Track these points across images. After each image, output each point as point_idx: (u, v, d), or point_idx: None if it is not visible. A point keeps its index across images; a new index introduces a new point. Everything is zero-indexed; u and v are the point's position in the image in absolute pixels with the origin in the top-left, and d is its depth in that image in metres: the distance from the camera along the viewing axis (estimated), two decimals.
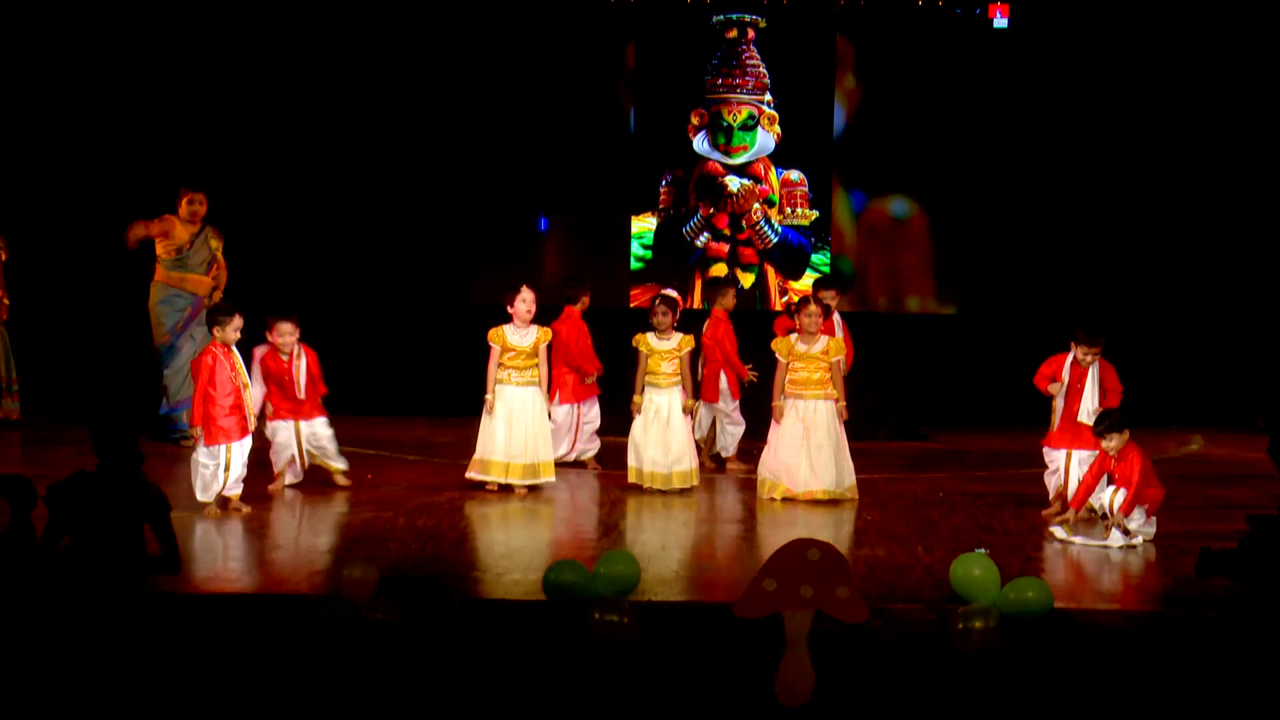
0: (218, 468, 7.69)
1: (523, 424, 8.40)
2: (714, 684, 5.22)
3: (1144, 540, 7.25)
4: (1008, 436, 10.54)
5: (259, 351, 8.35)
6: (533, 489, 8.44)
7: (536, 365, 8.45)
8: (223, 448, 7.70)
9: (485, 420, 8.44)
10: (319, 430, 8.42)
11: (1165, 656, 5.75)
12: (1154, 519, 7.29)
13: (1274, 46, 11.67)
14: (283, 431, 8.39)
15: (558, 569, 5.96)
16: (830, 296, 9.25)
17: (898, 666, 5.67)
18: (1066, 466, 7.94)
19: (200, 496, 7.70)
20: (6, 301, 10.64)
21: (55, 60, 11.68)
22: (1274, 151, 11.76)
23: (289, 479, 8.45)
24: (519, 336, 8.43)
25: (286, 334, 8.27)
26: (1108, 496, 7.34)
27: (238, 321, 7.81)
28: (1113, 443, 7.29)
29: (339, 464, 8.51)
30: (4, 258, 10.65)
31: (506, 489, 8.40)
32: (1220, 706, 5.23)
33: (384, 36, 11.89)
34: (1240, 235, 11.92)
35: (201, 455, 7.71)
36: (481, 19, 12.06)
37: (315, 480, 8.67)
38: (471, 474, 8.47)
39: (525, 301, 8.41)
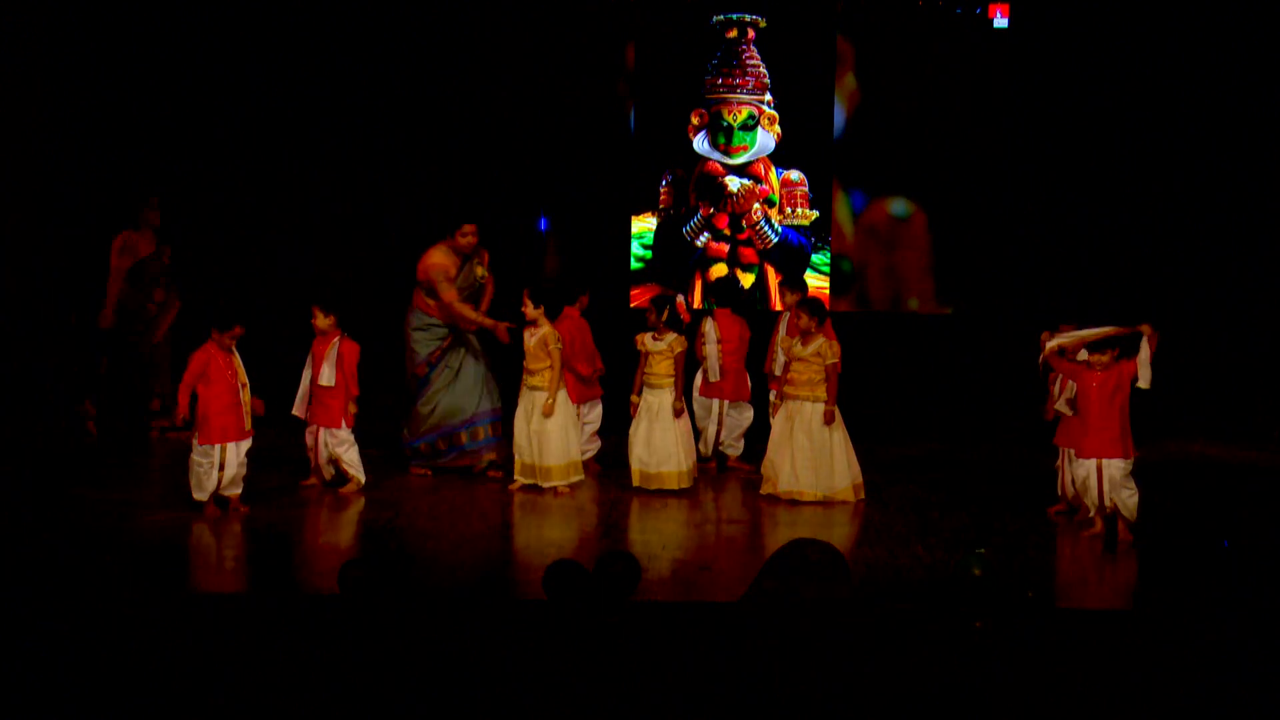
0: (211, 466, 7.69)
1: (528, 425, 8.41)
2: (714, 684, 5.21)
3: (1128, 497, 7.30)
4: (1007, 436, 10.53)
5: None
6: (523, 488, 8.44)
7: (549, 367, 8.39)
8: (217, 447, 7.70)
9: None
10: (331, 442, 8.42)
11: (1164, 655, 5.75)
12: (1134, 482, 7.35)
13: (1277, 45, 11.65)
14: (308, 434, 8.47)
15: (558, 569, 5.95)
16: (791, 299, 9.20)
17: (897, 667, 5.67)
18: (1061, 463, 7.98)
19: (195, 495, 7.71)
20: (179, 304, 10.44)
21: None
22: (1278, 150, 11.74)
23: (317, 479, 8.51)
24: (526, 335, 8.43)
25: (319, 318, 8.37)
26: (1093, 482, 7.38)
27: (238, 330, 7.79)
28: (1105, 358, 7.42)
29: (356, 473, 8.48)
30: (167, 262, 10.40)
31: (532, 488, 8.43)
32: (1218, 704, 5.23)
33: (384, 37, 11.88)
34: (1245, 235, 11.89)
35: (196, 453, 7.72)
36: (481, 18, 12.05)
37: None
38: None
39: (525, 304, 8.41)
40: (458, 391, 8.79)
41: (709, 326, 9.30)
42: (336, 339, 8.36)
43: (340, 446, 8.40)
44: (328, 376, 8.31)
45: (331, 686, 5.25)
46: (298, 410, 8.44)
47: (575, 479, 8.45)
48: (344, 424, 8.38)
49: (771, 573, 5.37)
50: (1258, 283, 11.86)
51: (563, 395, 8.41)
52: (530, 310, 8.35)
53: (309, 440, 8.48)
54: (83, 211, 11.81)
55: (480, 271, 8.91)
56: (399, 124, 11.94)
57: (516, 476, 8.48)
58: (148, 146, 11.81)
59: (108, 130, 11.77)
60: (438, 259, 8.69)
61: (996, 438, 10.68)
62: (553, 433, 8.37)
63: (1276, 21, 11.58)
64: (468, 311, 8.61)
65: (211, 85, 11.81)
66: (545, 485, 8.38)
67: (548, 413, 8.31)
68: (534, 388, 8.40)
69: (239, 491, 7.84)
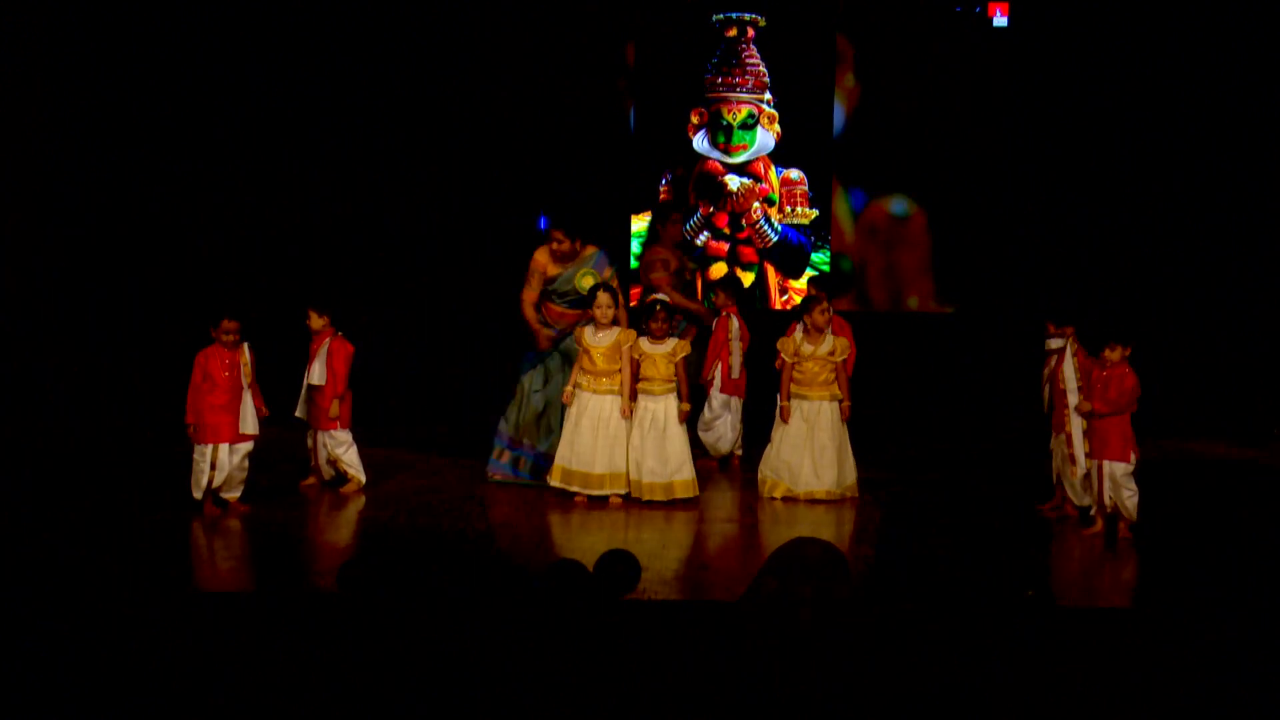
0: (206, 465, 7.70)
1: (605, 433, 8.23)
2: (714, 684, 5.21)
3: (1129, 498, 7.34)
4: (1007, 435, 10.53)
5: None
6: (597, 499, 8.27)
7: (619, 370, 8.25)
8: (210, 447, 7.70)
9: (568, 425, 8.34)
10: (329, 443, 8.43)
11: (1163, 654, 5.76)
12: (1134, 479, 7.39)
13: (1276, 45, 11.65)
14: (309, 435, 8.50)
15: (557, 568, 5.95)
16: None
17: (896, 666, 5.67)
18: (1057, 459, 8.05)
19: (194, 493, 7.73)
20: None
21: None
22: (1278, 150, 11.74)
23: (316, 479, 8.53)
24: (597, 337, 8.31)
25: (312, 319, 8.38)
26: (1094, 481, 7.42)
27: (228, 325, 7.76)
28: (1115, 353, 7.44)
29: (356, 473, 8.48)
30: (689, 277, 9.95)
31: (599, 500, 8.21)
32: (1218, 704, 5.23)
33: (384, 37, 11.88)
34: (1245, 234, 11.90)
35: (195, 452, 7.74)
36: (481, 18, 12.05)
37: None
38: (552, 482, 8.33)
39: (600, 306, 8.23)
40: (532, 407, 8.67)
41: (734, 324, 9.32)
42: (328, 338, 8.37)
43: (339, 448, 8.41)
44: (318, 375, 8.32)
45: (332, 686, 5.25)
46: (299, 413, 8.47)
47: (626, 489, 8.31)
48: (338, 424, 8.38)
49: (771, 571, 5.36)
50: (1257, 282, 11.86)
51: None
52: (609, 310, 8.21)
53: (309, 441, 8.51)
54: (83, 211, 11.85)
55: (589, 283, 8.49)
56: (399, 124, 11.94)
57: (556, 482, 8.29)
58: (148, 146, 11.84)
59: (107, 130, 11.79)
60: (534, 257, 8.66)
61: (996, 437, 10.69)
62: (621, 440, 8.23)
63: (1276, 21, 11.58)
64: (529, 314, 8.62)
65: (211, 85, 11.81)
66: (599, 493, 8.21)
67: (626, 415, 8.21)
68: (602, 392, 8.22)
69: (238, 494, 7.83)
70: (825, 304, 8.40)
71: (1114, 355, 7.41)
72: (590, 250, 8.66)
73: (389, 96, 11.92)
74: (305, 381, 8.40)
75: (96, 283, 11.90)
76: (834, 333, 8.62)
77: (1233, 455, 10.37)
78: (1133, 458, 7.37)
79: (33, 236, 11.87)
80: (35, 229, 11.85)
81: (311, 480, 8.49)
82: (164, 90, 11.81)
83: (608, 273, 8.59)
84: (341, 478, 8.48)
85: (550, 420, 8.62)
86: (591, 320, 8.31)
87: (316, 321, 8.39)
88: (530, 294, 8.63)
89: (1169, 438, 10.55)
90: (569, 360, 8.58)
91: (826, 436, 8.26)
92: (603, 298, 8.24)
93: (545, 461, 8.51)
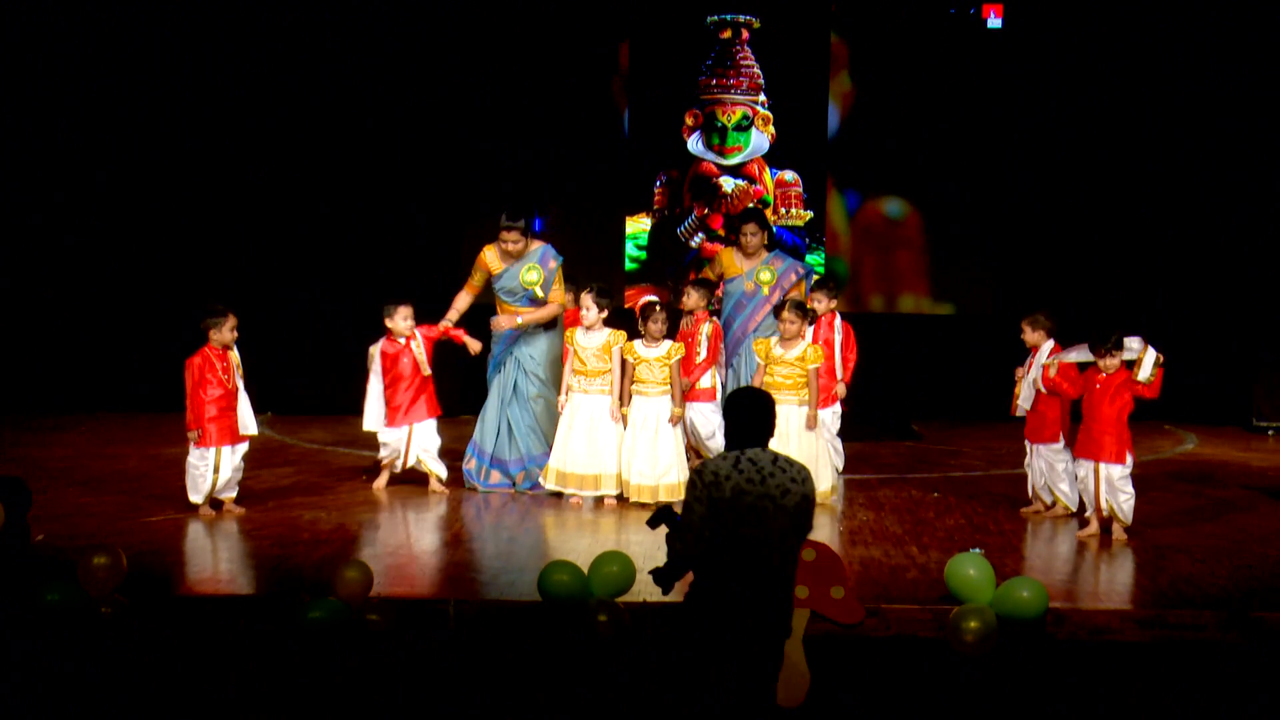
0: (207, 469, 7.70)
1: (597, 434, 8.22)
2: (710, 684, 5.22)
3: (1125, 501, 7.38)
4: (1002, 436, 10.55)
5: (374, 348, 8.47)
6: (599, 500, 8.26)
7: (609, 370, 8.25)
8: (212, 450, 7.70)
9: (562, 426, 8.34)
10: (426, 435, 8.43)
11: (1161, 654, 5.77)
12: (1130, 482, 7.42)
13: (1271, 45, 11.67)
14: (395, 433, 8.42)
15: (552, 570, 5.97)
16: (820, 298, 8.99)
17: (893, 667, 5.68)
18: (1030, 461, 8.11)
19: (191, 497, 7.74)
20: None
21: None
22: (1271, 149, 11.75)
23: (385, 479, 8.57)
24: (587, 337, 8.28)
25: (401, 319, 8.38)
26: (1090, 483, 7.44)
27: (232, 321, 7.77)
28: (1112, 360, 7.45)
29: (439, 469, 8.50)
30: None
31: (594, 501, 8.23)
32: (1216, 702, 5.24)
33: (381, 37, 11.87)
34: (1236, 232, 11.92)
35: (193, 456, 7.74)
36: (476, 18, 12.04)
37: (314, 480, 8.68)
38: (546, 483, 8.34)
39: (587, 308, 8.22)
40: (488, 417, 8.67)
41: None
42: (414, 330, 8.44)
43: (432, 442, 8.46)
44: (426, 366, 8.39)
45: (327, 687, 5.25)
46: (379, 423, 8.41)
47: (618, 490, 8.31)
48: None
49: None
50: (1256, 277, 11.88)
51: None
52: (593, 315, 8.20)
53: (395, 443, 8.43)
54: (84, 212, 11.86)
55: (534, 277, 8.47)
56: (394, 125, 11.92)
57: (551, 484, 8.31)
58: (148, 147, 11.83)
59: (109, 130, 11.79)
60: (481, 255, 8.62)
61: (992, 437, 10.70)
62: (612, 441, 8.24)
63: (1271, 20, 11.60)
64: (460, 306, 8.66)
65: (210, 85, 11.81)
66: (593, 493, 8.23)
67: (615, 418, 8.21)
68: (593, 393, 8.23)
69: (233, 495, 7.85)
70: (785, 310, 8.19)
71: (1113, 362, 7.40)
72: (535, 245, 8.56)
73: (384, 98, 11.90)
74: (380, 390, 8.38)
75: (94, 281, 11.89)
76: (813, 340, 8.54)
77: (1231, 456, 10.39)
78: (1129, 459, 7.38)
79: (31, 236, 11.88)
80: (34, 229, 11.86)
81: (381, 482, 8.54)
82: (164, 90, 11.81)
83: (552, 264, 8.53)
84: (415, 475, 8.52)
85: (497, 424, 8.59)
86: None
87: (407, 320, 8.40)
88: (471, 289, 8.67)
89: (1168, 437, 10.56)
90: (519, 366, 8.58)
91: (787, 441, 7.90)
92: (585, 299, 8.24)
93: (500, 467, 8.57)
